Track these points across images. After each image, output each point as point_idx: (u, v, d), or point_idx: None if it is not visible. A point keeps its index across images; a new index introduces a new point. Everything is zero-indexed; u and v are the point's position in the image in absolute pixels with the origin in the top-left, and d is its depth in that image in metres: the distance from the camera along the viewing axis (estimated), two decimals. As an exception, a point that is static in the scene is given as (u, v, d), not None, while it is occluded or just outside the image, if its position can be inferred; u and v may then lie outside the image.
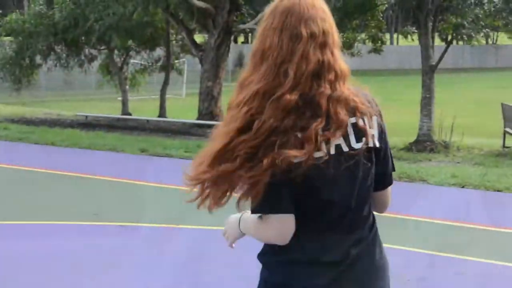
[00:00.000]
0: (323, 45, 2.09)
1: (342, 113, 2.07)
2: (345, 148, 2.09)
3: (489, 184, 9.75)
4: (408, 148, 13.56)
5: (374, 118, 2.15)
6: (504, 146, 14.15)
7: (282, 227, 2.08)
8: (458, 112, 20.49)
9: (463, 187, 9.79)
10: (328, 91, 2.06)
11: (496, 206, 8.72)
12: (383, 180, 2.24)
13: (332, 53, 2.11)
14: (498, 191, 9.50)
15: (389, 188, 2.30)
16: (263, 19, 2.17)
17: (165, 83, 20.43)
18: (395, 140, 14.39)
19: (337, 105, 2.08)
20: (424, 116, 13.92)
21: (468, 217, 7.99)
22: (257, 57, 2.11)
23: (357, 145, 2.10)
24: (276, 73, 2.05)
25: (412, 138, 14.01)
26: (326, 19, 2.14)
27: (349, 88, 2.14)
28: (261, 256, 2.24)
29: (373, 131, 2.14)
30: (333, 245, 2.13)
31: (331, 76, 2.08)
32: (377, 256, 2.22)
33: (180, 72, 24.18)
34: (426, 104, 13.88)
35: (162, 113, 19.94)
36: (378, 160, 2.17)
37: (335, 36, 2.15)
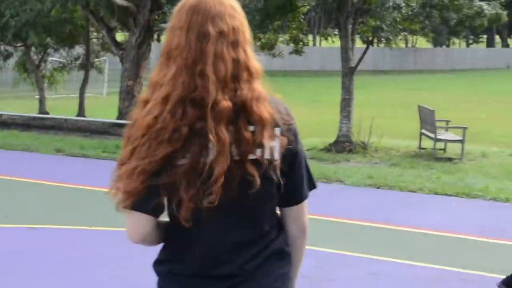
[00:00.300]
0: (235, 44, 2.00)
1: (266, 112, 1.99)
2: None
3: (403, 185, 9.93)
4: (328, 149, 13.68)
5: (278, 129, 2.03)
6: (420, 148, 14.45)
7: (132, 225, 2.06)
8: (377, 114, 20.90)
9: (378, 187, 9.94)
10: (250, 93, 1.98)
11: (409, 207, 8.87)
12: (291, 196, 2.13)
13: (245, 51, 2.02)
14: (412, 191, 9.68)
15: (300, 205, 2.17)
16: (171, 18, 2.09)
17: (85, 81, 20.08)
18: (315, 141, 14.53)
19: (260, 105, 1.99)
20: (343, 117, 14.07)
21: (381, 218, 8.10)
22: (165, 57, 2.02)
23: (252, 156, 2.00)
24: (190, 75, 1.95)
25: (333, 139, 14.16)
26: (236, 16, 2.04)
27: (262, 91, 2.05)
28: (153, 265, 2.19)
29: (273, 143, 2.02)
30: (222, 260, 2.06)
31: (247, 75, 2.00)
32: (275, 274, 2.11)
33: (100, 71, 23.80)
34: (346, 105, 14.03)
35: (81, 112, 19.57)
36: (283, 174, 2.05)
37: (247, 34, 2.05)
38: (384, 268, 6.24)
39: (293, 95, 30.56)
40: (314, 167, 11.24)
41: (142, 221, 2.04)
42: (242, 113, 1.97)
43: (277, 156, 2.02)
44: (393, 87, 37.75)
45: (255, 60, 2.05)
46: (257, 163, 1.98)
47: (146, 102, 2.00)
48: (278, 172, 2.03)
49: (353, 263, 6.38)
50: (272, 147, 2.01)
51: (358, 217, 8.09)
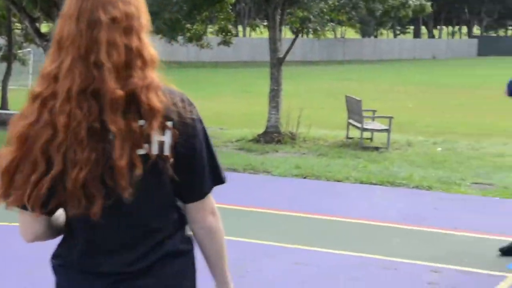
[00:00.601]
0: (128, 30, 1.93)
1: (156, 101, 1.91)
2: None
3: (330, 175, 10.02)
4: (257, 140, 13.71)
5: (170, 122, 1.95)
6: (347, 137, 14.62)
7: (24, 224, 2.03)
8: (307, 104, 21.07)
9: (305, 177, 10.01)
10: (140, 81, 1.90)
11: (335, 196, 8.95)
12: (189, 192, 2.07)
13: (139, 38, 1.95)
14: (338, 181, 9.78)
15: (202, 202, 2.09)
16: (63, 6, 2.02)
17: (7, 73, 19.55)
18: (244, 132, 14.55)
19: (150, 94, 1.92)
20: (272, 108, 14.11)
21: (307, 208, 8.16)
22: (56, 47, 1.93)
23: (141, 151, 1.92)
24: (85, 66, 1.88)
25: (262, 130, 14.19)
26: (131, 2, 1.96)
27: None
28: (50, 258, 2.14)
29: (164, 137, 1.94)
30: (104, 257, 2.02)
31: (140, 63, 1.92)
32: (167, 272, 2.05)
33: (24, 63, 23.22)
34: (274, 96, 14.08)
35: (3, 105, 19.07)
36: (178, 170, 1.98)
37: (143, 20, 1.98)
38: (309, 257, 6.28)
39: (223, 86, 30.61)
40: (242, 158, 11.26)
41: (34, 221, 2.00)
42: (133, 103, 1.90)
43: (167, 150, 1.95)
44: (322, 77, 38.11)
45: (151, 48, 1.98)
46: (145, 158, 1.92)
47: (38, 96, 1.91)
48: (169, 168, 1.96)
49: (278, 253, 6.40)
50: (162, 141, 1.94)
51: (283, 207, 8.12)
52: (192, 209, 2.10)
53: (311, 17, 13.75)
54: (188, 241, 2.12)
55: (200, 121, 2.05)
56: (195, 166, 2.04)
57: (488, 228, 7.29)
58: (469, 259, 6.23)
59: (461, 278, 5.78)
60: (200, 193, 2.09)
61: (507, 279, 5.73)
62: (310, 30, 14.31)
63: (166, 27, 13.62)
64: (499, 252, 6.34)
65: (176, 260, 2.07)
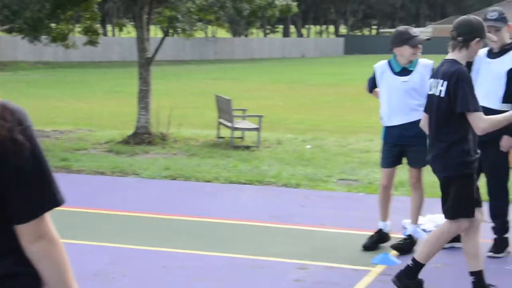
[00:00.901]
0: None
1: None
2: None
3: (200, 175, 9.98)
4: (126, 141, 13.47)
5: None
6: (218, 137, 14.66)
7: None
8: (178, 104, 20.98)
9: (174, 179, 9.92)
10: None
11: (204, 197, 8.91)
12: (14, 214, 1.90)
13: None
14: (208, 181, 9.76)
15: (28, 225, 1.90)
16: None
17: None
18: (114, 134, 14.28)
19: None
20: (141, 108, 13.91)
21: (175, 209, 8.09)
22: None
23: None
24: None
25: (132, 131, 13.96)
26: None
27: None
28: None
29: None
30: None
31: None
32: None
33: None
34: (143, 96, 13.88)
35: None
36: (2, 188, 1.84)
37: None
38: (177, 259, 6.22)
39: (92, 86, 29.97)
40: (111, 160, 11.03)
41: None
42: None
43: None
44: (194, 77, 38.09)
45: None
46: None
47: None
48: (10, 185, 1.82)
49: (146, 256, 6.30)
50: None
51: (151, 210, 8.02)
52: (19, 231, 1.93)
53: (179, 16, 13.65)
54: (28, 262, 1.97)
55: (30, 136, 1.89)
56: (18, 187, 1.87)
57: (353, 223, 7.48)
58: (335, 255, 6.37)
59: (327, 274, 5.89)
60: (26, 215, 1.91)
61: (371, 273, 5.89)
62: (179, 29, 14.19)
63: (28, 26, 13.11)
64: (363, 248, 6.52)
65: (7, 283, 1.91)
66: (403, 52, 6.35)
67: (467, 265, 5.27)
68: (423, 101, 6.41)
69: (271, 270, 5.98)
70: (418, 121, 6.30)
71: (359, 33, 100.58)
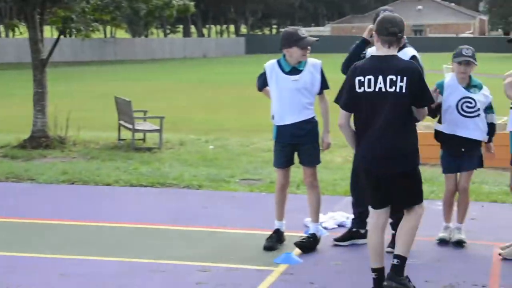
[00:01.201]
0: None
1: None
2: None
3: (99, 179, 9.73)
4: (23, 145, 13.01)
5: None
6: (119, 139, 14.38)
7: None
8: (79, 106, 20.50)
9: (73, 183, 9.63)
10: None
11: (103, 201, 8.67)
12: None
13: None
14: (108, 185, 9.52)
15: None
16: None
17: None
18: (9, 138, 13.77)
19: None
20: (37, 111, 13.46)
21: (73, 215, 7.84)
22: None
23: None
24: None
25: (29, 135, 13.50)
26: None
27: None
28: None
29: None
30: None
31: None
32: None
33: None
34: (39, 99, 13.44)
35: None
36: None
37: None
38: (75, 267, 6.02)
39: None
40: (5, 166, 10.62)
41: None
42: None
43: None
44: (94, 78, 37.38)
45: None
46: None
47: None
48: None
49: (41, 265, 6.06)
50: None
51: (48, 216, 7.75)
52: None
53: (74, 17, 13.29)
54: None
55: None
56: None
57: (255, 223, 7.44)
58: (238, 256, 6.31)
59: (229, 275, 5.82)
60: None
61: (274, 273, 5.86)
62: (74, 30, 13.82)
63: None
64: (264, 249, 6.48)
65: None
66: (292, 53, 6.37)
67: (397, 248, 5.24)
68: (313, 99, 6.47)
69: (172, 273, 5.86)
70: (309, 119, 6.40)
71: (260, 33, 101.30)
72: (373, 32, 5.34)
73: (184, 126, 17.40)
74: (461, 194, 6.75)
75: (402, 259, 5.21)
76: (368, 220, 5.33)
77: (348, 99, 5.23)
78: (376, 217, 5.30)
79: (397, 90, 5.07)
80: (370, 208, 5.35)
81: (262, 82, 6.63)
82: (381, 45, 5.18)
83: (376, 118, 5.11)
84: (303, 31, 6.53)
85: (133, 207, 8.36)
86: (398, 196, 5.25)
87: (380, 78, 5.09)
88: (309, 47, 6.40)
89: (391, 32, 5.15)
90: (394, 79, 5.07)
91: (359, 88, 5.14)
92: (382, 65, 5.13)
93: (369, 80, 5.12)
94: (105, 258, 6.26)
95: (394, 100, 5.08)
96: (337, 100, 5.32)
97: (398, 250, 5.25)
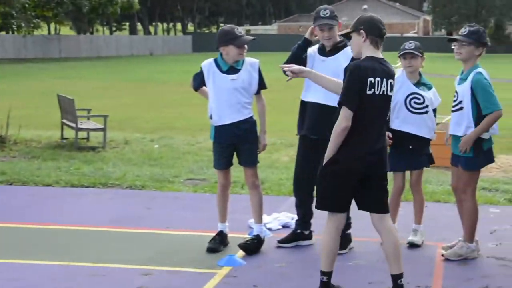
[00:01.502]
0: None
1: None
2: None
3: (38, 179, 9.47)
4: (-40, 146, 12.66)
5: None
6: (62, 138, 14.13)
7: None
8: (21, 104, 20.07)
9: (11, 184, 9.36)
10: None
11: (42, 202, 8.43)
12: None
13: None
14: (48, 185, 9.28)
15: None
16: None
17: None
18: None
19: None
20: (-24, 110, 13.12)
21: (10, 217, 7.58)
22: None
23: None
24: None
25: (-34, 134, 13.15)
26: None
27: None
28: None
29: None
30: None
31: None
32: None
33: None
34: (-22, 97, 13.10)
35: None
36: None
37: None
38: (11, 272, 5.79)
39: None
40: None
41: None
42: None
43: None
44: (38, 76, 36.72)
45: None
46: None
47: None
48: None
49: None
50: None
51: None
52: None
53: (14, 13, 12.97)
54: None
55: None
56: None
57: (199, 224, 7.32)
58: (180, 258, 6.18)
59: (172, 278, 5.69)
60: None
61: (217, 276, 5.75)
62: (14, 26, 13.51)
63: None
64: (207, 251, 6.38)
65: None
66: (229, 52, 6.28)
67: (392, 269, 5.15)
68: (251, 99, 6.38)
69: (113, 277, 5.70)
70: (248, 119, 6.31)
71: (207, 31, 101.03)
72: (361, 30, 5.03)
73: (129, 125, 17.18)
74: (414, 194, 6.72)
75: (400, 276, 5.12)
76: (327, 224, 5.16)
77: (358, 100, 4.96)
78: (338, 221, 5.15)
79: (391, 94, 5.11)
80: (329, 212, 5.14)
81: (199, 82, 6.52)
82: (370, 44, 5.05)
83: (376, 120, 5.07)
84: (240, 29, 6.42)
85: (73, 208, 8.13)
86: (377, 197, 5.15)
87: (385, 81, 5.04)
88: (246, 46, 6.30)
89: (384, 33, 5.10)
90: (392, 83, 5.09)
91: (369, 90, 4.97)
92: (384, 68, 5.07)
93: (378, 82, 4.99)
94: (42, 261, 6.06)
95: (389, 103, 5.18)
96: (344, 102, 4.97)
97: (393, 271, 5.13)
